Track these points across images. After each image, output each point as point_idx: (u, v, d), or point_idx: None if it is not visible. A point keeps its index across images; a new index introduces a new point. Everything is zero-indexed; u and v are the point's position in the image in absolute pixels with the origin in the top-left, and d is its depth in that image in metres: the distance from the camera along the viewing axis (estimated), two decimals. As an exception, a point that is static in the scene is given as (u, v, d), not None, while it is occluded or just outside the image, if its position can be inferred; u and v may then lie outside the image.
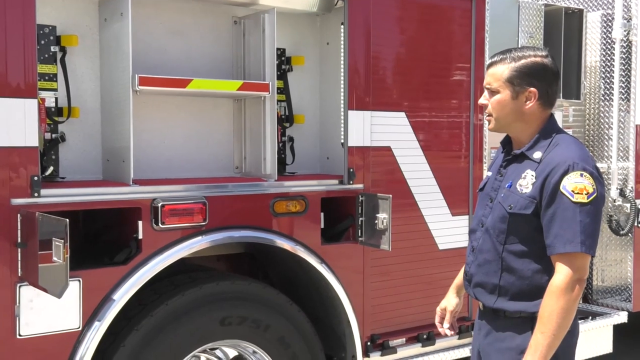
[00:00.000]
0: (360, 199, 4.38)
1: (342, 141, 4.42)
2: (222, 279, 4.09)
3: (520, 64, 2.90)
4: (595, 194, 2.78)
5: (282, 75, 4.44)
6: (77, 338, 3.52)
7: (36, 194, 3.38)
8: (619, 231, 5.89)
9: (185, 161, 4.16)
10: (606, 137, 5.99)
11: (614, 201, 5.89)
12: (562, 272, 2.76)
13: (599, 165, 3.65)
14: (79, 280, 3.48)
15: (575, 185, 2.76)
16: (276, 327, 4.09)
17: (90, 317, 3.54)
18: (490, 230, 2.97)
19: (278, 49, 4.33)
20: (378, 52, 4.48)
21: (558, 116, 5.69)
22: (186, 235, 3.80)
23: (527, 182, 2.88)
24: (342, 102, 4.44)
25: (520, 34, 5.41)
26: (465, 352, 4.88)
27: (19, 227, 3.35)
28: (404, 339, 4.67)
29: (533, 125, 2.95)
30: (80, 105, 3.82)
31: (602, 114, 6.01)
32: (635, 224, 5.84)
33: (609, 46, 5.93)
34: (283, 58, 4.47)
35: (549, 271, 2.82)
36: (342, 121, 4.42)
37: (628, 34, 5.81)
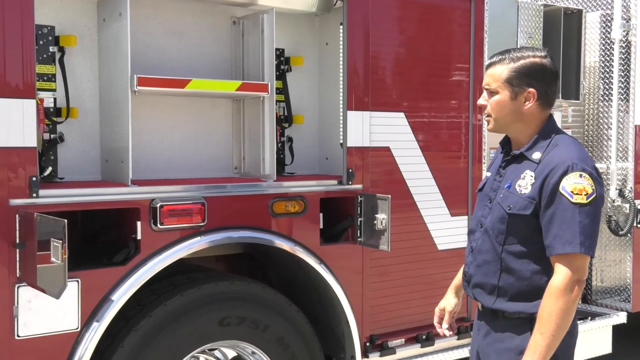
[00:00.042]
0: (359, 199, 4.37)
1: (341, 141, 4.42)
2: (221, 279, 4.09)
3: (519, 64, 2.90)
4: (594, 195, 2.77)
5: (281, 75, 4.43)
6: (75, 339, 3.51)
7: (35, 195, 3.38)
8: (618, 232, 5.89)
9: (184, 161, 4.15)
10: (605, 137, 5.98)
11: (613, 202, 5.88)
12: (561, 273, 2.75)
13: (598, 165, 3.64)
14: (78, 281, 3.47)
15: (575, 185, 2.76)
16: (275, 327, 4.09)
17: (88, 317, 3.53)
18: (489, 231, 2.97)
19: (277, 49, 4.33)
20: (377, 52, 4.48)
21: (557, 117, 5.69)
22: (185, 236, 3.80)
23: (526, 182, 2.87)
24: (341, 102, 4.43)
25: (520, 34, 5.40)
26: (464, 352, 4.88)
27: (17, 228, 3.35)
28: (403, 340, 4.67)
29: (532, 126, 2.95)
30: (78, 106, 3.82)
31: (601, 115, 6.00)
32: (635, 224, 5.84)
33: (608, 46, 5.93)
34: (282, 58, 4.46)
35: (548, 272, 2.82)
36: (341, 121, 4.42)
37: (627, 34, 5.81)
